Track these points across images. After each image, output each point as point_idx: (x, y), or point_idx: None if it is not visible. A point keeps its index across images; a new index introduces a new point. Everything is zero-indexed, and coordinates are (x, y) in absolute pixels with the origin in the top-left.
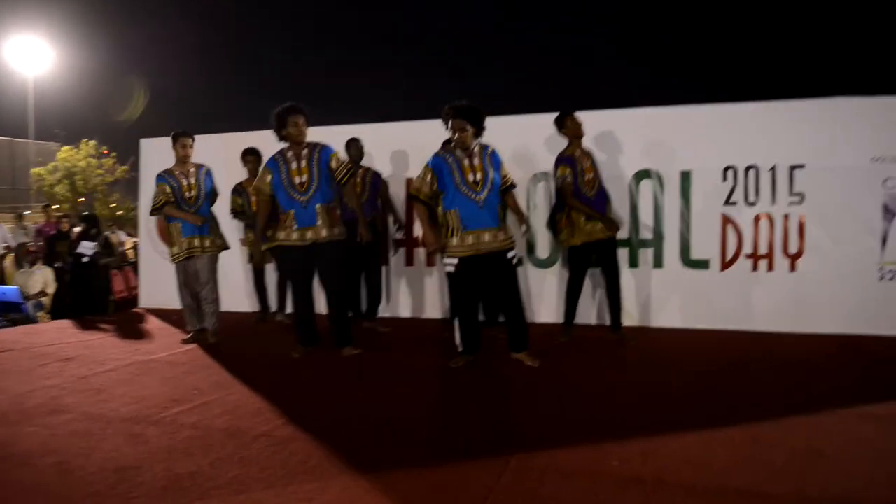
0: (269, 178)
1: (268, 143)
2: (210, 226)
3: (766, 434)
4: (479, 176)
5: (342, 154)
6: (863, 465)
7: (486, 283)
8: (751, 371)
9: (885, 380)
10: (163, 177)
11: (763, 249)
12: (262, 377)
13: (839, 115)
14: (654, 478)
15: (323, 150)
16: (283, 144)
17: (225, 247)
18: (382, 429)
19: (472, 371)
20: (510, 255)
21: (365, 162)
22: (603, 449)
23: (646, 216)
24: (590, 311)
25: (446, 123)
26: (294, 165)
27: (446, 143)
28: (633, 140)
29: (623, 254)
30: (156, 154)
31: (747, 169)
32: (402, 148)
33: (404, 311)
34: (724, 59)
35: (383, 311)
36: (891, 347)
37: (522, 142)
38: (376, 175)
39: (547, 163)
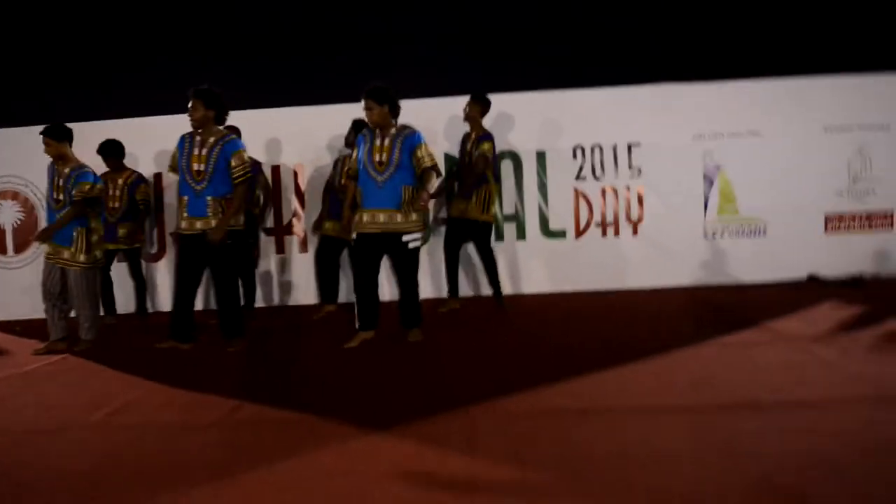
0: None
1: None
2: (74, 237)
3: (672, 365)
4: (384, 157)
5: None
6: (770, 375)
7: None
8: (626, 321)
9: (729, 317)
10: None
11: (610, 218)
12: (168, 373)
13: (666, 99)
14: (603, 407)
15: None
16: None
17: (97, 263)
18: (333, 402)
19: (378, 345)
20: (406, 238)
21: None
22: (546, 392)
23: (508, 194)
24: (464, 284)
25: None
26: (196, 151)
27: (357, 123)
28: (492, 124)
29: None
30: None
31: (593, 148)
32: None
33: (275, 299)
34: (574, 48)
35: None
36: (720, 293)
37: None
38: (256, 163)
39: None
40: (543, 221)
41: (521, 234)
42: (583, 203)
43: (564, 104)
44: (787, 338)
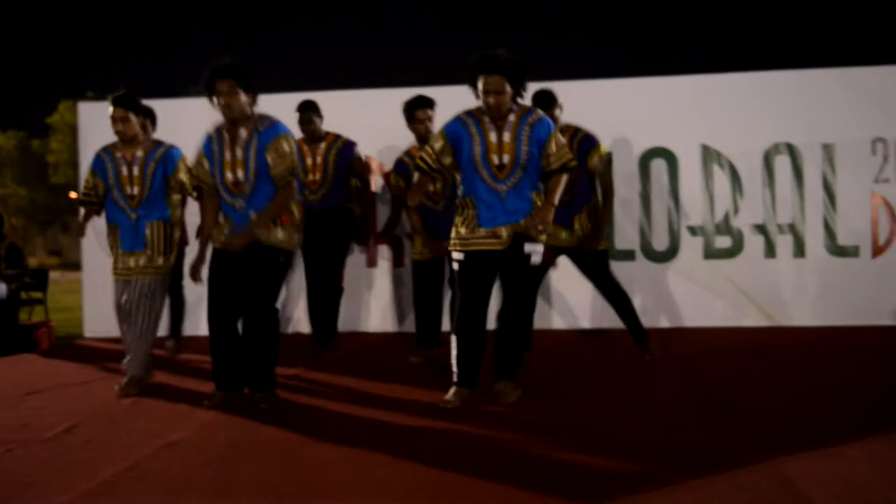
0: (206, 164)
1: None
2: (149, 237)
3: None
4: (506, 158)
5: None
6: None
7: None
8: None
9: None
10: (99, 158)
11: None
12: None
13: None
14: None
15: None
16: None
17: (166, 270)
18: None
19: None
20: (528, 246)
21: None
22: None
23: (783, 197)
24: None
25: (472, 80)
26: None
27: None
28: (765, 108)
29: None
30: (97, 122)
31: None
32: None
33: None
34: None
35: None
36: None
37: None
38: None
39: None
40: (829, 234)
41: (799, 249)
42: (884, 212)
43: (860, 83)
44: None
